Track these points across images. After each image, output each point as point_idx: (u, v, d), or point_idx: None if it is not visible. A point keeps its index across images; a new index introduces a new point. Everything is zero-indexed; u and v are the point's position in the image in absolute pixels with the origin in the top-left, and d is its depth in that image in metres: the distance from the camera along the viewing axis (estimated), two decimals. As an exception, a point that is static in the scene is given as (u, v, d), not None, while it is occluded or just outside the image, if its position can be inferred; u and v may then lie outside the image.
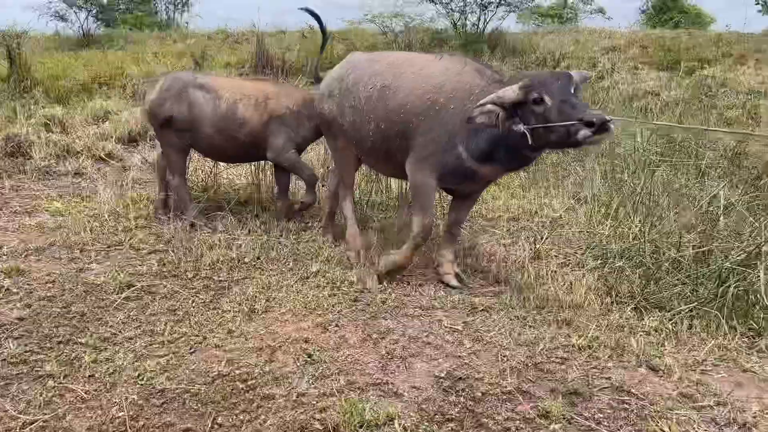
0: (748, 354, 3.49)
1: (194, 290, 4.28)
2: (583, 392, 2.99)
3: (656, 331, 3.69)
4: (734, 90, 12.77)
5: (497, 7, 18.51)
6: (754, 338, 3.67)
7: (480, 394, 2.96)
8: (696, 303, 3.89)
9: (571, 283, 4.33)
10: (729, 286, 3.87)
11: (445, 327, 3.70)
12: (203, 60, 16.71)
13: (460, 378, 3.10)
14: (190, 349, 3.46)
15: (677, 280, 4.13)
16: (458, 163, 3.99)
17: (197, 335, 3.60)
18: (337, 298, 4.11)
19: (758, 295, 3.81)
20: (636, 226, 5.14)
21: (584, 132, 3.28)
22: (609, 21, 29.88)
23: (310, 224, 5.78)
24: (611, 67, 16.14)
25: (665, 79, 14.60)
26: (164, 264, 4.68)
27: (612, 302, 4.08)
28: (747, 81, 13.36)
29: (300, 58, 17.27)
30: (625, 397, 2.95)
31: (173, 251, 4.87)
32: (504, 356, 3.34)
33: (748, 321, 3.76)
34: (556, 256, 4.98)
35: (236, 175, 7.04)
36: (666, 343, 3.54)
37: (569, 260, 4.92)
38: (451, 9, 18.58)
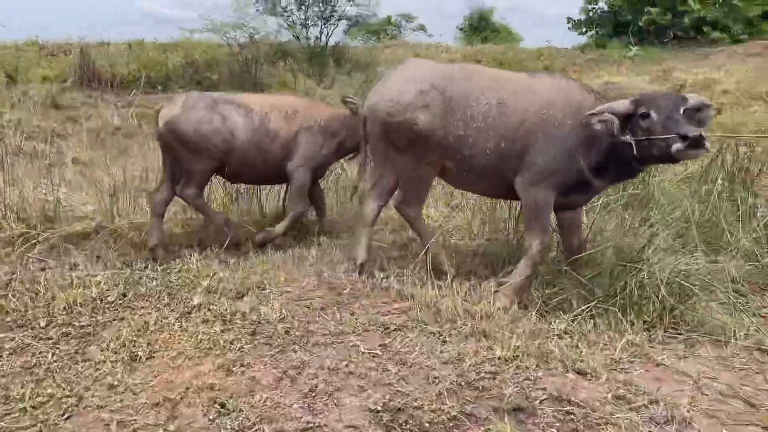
0: (651, 347, 3.61)
1: (51, 341, 3.58)
2: (526, 407, 2.86)
3: (566, 333, 3.71)
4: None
5: (338, 20, 18.61)
6: (649, 330, 3.82)
7: (426, 425, 2.71)
8: (594, 302, 3.98)
9: (471, 291, 4.26)
10: (623, 283, 4.02)
11: (364, 352, 3.40)
12: (17, 73, 14.83)
13: (399, 409, 2.83)
14: (63, 414, 2.82)
15: (574, 281, 4.21)
16: (579, 177, 4.12)
17: (69, 395, 2.97)
18: (232, 333, 3.64)
19: (648, 289, 3.98)
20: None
21: (678, 145, 3.51)
22: (431, 37, 31.51)
23: (179, 251, 5.19)
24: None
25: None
26: (6, 312, 3.88)
27: (517, 308, 4.05)
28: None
29: (131, 71, 16.00)
30: (567, 407, 2.87)
31: (14, 296, 4.06)
32: (435, 378, 3.12)
33: (642, 315, 3.91)
34: (450, 265, 4.89)
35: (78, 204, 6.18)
36: (580, 345, 3.55)
37: (461, 269, 4.85)
38: (293, 22, 18.33)
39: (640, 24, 21.99)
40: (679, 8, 21.26)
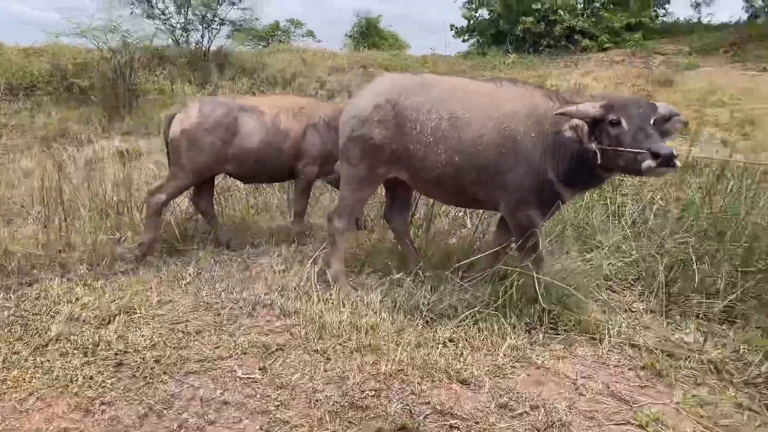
0: (532, 349, 3.66)
1: None
2: (410, 425, 2.78)
3: (451, 341, 3.69)
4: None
5: (220, 25, 18.00)
6: (530, 333, 3.88)
7: (306, 455, 2.55)
8: (478, 307, 4.00)
9: (357, 304, 4.15)
10: (504, 286, 4.06)
11: (241, 378, 3.19)
12: None
13: (277, 439, 2.65)
14: None
15: (458, 286, 4.22)
16: (550, 190, 3.91)
17: None
18: (94, 366, 3.30)
19: (528, 291, 4.05)
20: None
21: (649, 162, 3.31)
22: (319, 43, 31.49)
23: (37, 274, 4.70)
24: (339, 86, 16.83)
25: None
26: None
27: (404, 318, 3.99)
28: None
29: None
30: (452, 421, 2.82)
31: None
32: (317, 401, 2.97)
33: (523, 317, 3.98)
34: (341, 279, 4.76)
35: None
36: (464, 353, 3.53)
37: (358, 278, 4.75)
38: (172, 26, 17.52)
39: (517, 32, 23.05)
40: (551, 18, 22.50)
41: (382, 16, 34.96)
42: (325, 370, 3.27)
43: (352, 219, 4.72)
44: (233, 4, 18.16)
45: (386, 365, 3.27)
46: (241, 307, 4.14)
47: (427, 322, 3.98)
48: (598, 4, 24.71)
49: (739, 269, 4.54)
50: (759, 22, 20.46)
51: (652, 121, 3.48)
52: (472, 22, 26.99)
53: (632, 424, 2.86)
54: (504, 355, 3.48)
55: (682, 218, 5.65)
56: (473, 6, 27.11)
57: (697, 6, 26.50)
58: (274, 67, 17.43)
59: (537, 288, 3.99)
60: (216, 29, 17.89)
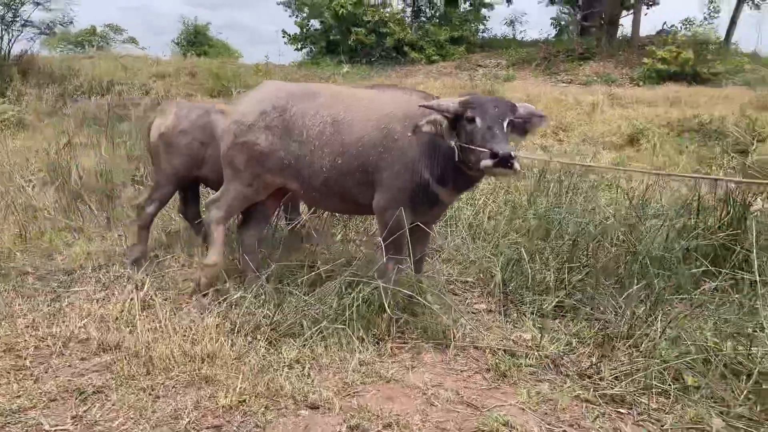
0: (381, 362, 3.54)
1: None
2: (254, 463, 2.49)
3: (297, 362, 3.45)
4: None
5: (23, 26, 16.11)
6: (378, 344, 3.77)
7: None
8: (324, 322, 3.81)
9: (191, 329, 3.77)
10: (351, 298, 3.91)
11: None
12: None
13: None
14: None
15: (303, 302, 3.99)
16: (426, 190, 3.90)
17: None
18: None
19: (375, 302, 3.94)
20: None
21: (486, 162, 3.34)
22: (143, 50, 29.80)
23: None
24: (165, 93, 15.86)
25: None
26: None
27: (245, 341, 3.68)
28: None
29: None
30: (300, 452, 2.58)
31: None
32: (143, 449, 2.57)
33: (371, 329, 3.85)
34: (166, 300, 4.31)
35: None
36: (311, 373, 3.32)
37: (185, 303, 4.32)
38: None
39: (350, 43, 23.40)
40: (381, 30, 23.14)
41: (211, 24, 33.80)
42: (154, 411, 2.88)
43: (230, 215, 4.50)
44: (38, 4, 16.33)
45: (226, 397, 2.95)
46: (49, 346, 3.56)
47: (270, 343, 3.71)
48: (424, 19, 25.97)
49: (567, 265, 4.81)
50: (564, 39, 22.72)
51: (507, 121, 3.52)
52: (305, 30, 26.97)
53: (483, 430, 2.83)
54: (353, 371, 3.31)
55: (512, 220, 5.92)
56: (305, 15, 27.16)
57: (511, 23, 28.90)
58: (89, 74, 15.94)
59: (384, 297, 3.90)
60: (18, 31, 15.96)
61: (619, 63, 19.19)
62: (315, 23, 26.89)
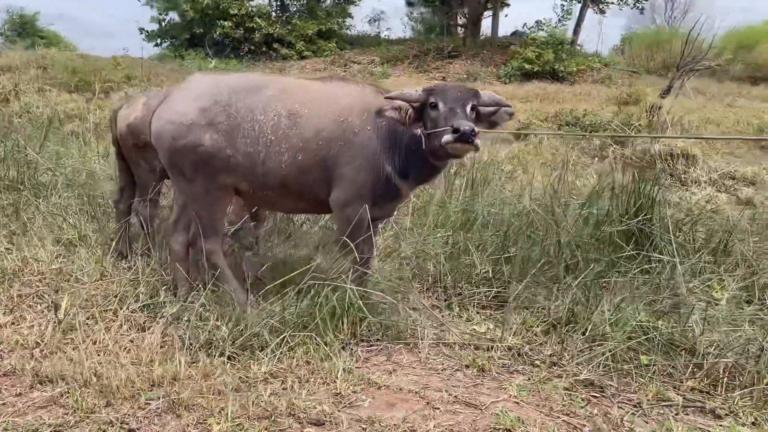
0: (358, 367, 3.40)
1: None
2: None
3: (274, 376, 3.21)
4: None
5: None
6: (345, 349, 3.61)
7: None
8: (288, 331, 3.58)
9: (134, 351, 3.38)
10: (311, 302, 3.72)
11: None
12: None
13: None
14: None
15: (262, 309, 3.73)
16: (387, 184, 3.85)
17: None
18: None
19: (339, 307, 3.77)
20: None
21: (447, 137, 3.36)
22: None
23: None
24: (13, 88, 14.23)
25: (82, 100, 13.84)
26: None
27: (206, 358, 3.35)
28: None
29: None
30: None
31: None
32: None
33: (338, 334, 3.68)
34: (89, 318, 3.83)
35: None
36: (295, 386, 3.09)
37: (117, 319, 3.85)
38: None
39: (216, 37, 22.41)
40: (247, 24, 22.40)
41: (39, 13, 30.71)
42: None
43: (220, 236, 4.18)
44: None
45: (218, 424, 2.66)
46: (-31, 385, 3.00)
47: (230, 358, 3.42)
48: (290, 13, 25.52)
49: (500, 256, 4.92)
50: (431, 37, 23.46)
51: (469, 105, 3.57)
52: (163, 24, 25.42)
53: (500, 428, 2.80)
54: (343, 381, 3.13)
55: (437, 215, 5.97)
56: (161, 8, 25.61)
57: (374, 21, 29.36)
58: None
59: (349, 298, 3.74)
60: None
61: (484, 62, 20.19)
62: (174, 16, 25.47)
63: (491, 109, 3.80)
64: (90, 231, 5.49)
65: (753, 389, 3.23)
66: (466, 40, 21.68)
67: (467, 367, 3.48)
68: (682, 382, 3.45)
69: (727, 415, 3.11)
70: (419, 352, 3.64)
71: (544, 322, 4.15)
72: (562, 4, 23.45)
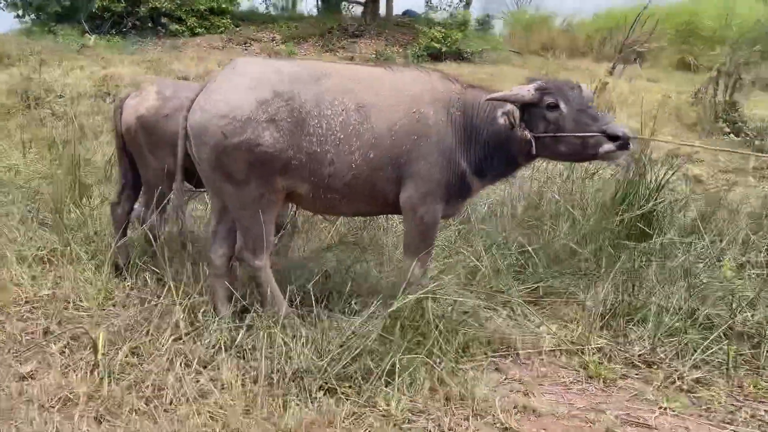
0: (495, 391, 3.07)
1: None
2: None
3: (413, 412, 2.83)
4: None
5: None
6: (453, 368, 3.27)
7: None
8: (395, 352, 3.16)
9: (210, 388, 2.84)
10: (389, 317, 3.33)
11: None
12: None
13: None
14: None
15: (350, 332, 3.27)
16: (461, 181, 3.56)
17: None
18: None
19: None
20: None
21: (608, 146, 3.15)
22: None
23: None
24: None
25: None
26: None
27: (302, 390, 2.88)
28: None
29: None
30: None
31: None
32: None
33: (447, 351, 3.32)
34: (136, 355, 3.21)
35: None
36: (452, 425, 2.71)
37: (164, 353, 3.24)
38: None
39: (94, 10, 20.19)
40: (129, -3, 20.41)
41: None
42: None
43: (269, 249, 3.59)
44: None
45: None
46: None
47: (329, 391, 2.98)
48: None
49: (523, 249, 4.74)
50: (332, 15, 22.68)
51: (593, 103, 3.34)
52: (24, -7, 22.50)
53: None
54: (500, 411, 2.80)
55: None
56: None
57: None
58: None
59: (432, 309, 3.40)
60: None
61: (388, 41, 19.92)
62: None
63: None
64: (60, 243, 4.66)
65: None
66: (366, 18, 21.25)
67: (591, 378, 3.28)
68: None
69: None
70: (527, 365, 3.39)
71: (601, 315, 4.06)
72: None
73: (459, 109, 3.52)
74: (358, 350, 3.12)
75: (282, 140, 3.28)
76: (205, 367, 3.25)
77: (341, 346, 3.17)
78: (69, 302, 3.91)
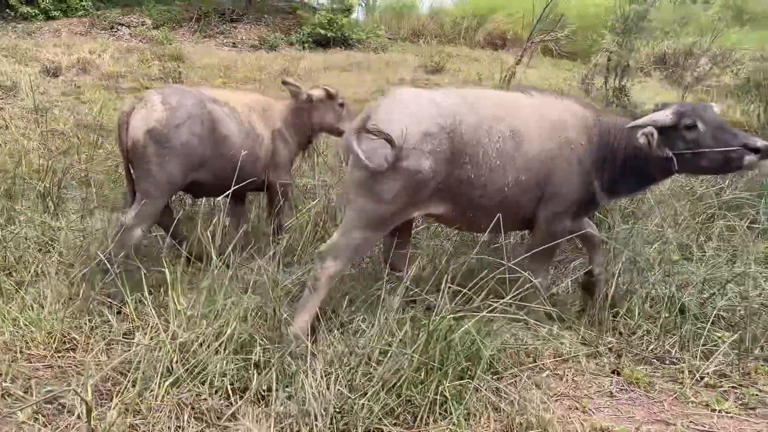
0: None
1: None
2: None
3: None
4: None
5: None
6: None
7: None
8: (439, 377, 2.90)
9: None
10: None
11: None
12: None
13: None
14: None
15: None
16: (590, 200, 3.90)
17: None
18: None
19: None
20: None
21: (750, 157, 3.46)
22: None
23: None
24: None
25: None
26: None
27: None
28: None
29: None
30: None
31: None
32: None
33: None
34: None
35: None
36: None
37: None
38: None
39: None
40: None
41: None
42: None
43: (350, 263, 3.82)
44: None
45: None
46: None
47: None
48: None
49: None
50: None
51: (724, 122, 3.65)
52: None
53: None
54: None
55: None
56: None
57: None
58: None
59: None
60: None
61: (269, 27, 19.12)
62: None
63: None
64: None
65: None
66: (243, 1, 20.22)
67: (630, 384, 3.23)
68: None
69: None
70: (560, 375, 3.27)
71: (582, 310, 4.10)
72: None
73: (597, 134, 3.83)
74: (401, 378, 2.83)
75: (440, 168, 3.49)
76: (219, 419, 2.79)
77: (377, 378, 2.85)
78: (17, 352, 3.21)
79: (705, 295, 4.08)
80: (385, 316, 3.24)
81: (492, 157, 3.59)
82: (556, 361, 3.42)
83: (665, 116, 3.63)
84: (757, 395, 3.18)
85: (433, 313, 3.09)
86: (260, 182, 4.64)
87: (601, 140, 3.83)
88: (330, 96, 5.01)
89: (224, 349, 3.12)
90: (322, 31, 17.74)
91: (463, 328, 3.01)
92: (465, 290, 3.17)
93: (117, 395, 2.84)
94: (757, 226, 5.43)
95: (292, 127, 4.85)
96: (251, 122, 4.51)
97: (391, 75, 13.19)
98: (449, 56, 16.52)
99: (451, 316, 3.03)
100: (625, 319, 3.96)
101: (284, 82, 5.04)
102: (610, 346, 3.67)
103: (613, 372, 3.36)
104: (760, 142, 3.46)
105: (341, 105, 4.99)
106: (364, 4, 26.87)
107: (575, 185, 3.78)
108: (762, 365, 3.53)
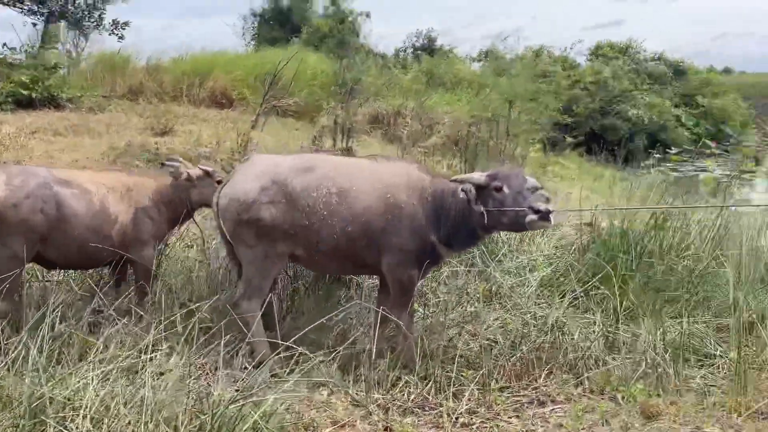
0: None
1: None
2: None
3: None
4: None
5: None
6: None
7: None
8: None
9: None
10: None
11: None
12: None
13: None
14: None
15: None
16: (432, 252, 4.46)
17: None
18: None
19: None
20: None
21: (531, 216, 4.03)
22: None
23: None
24: None
25: None
26: None
27: None
28: None
29: None
30: None
31: None
32: None
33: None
34: None
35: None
36: None
37: None
38: None
39: None
40: None
41: None
42: None
43: (262, 300, 4.47)
44: None
45: None
46: None
47: None
48: None
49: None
50: None
51: (527, 188, 4.23)
52: None
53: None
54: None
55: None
56: None
57: None
58: None
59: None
60: None
61: (-46, 84, 16.39)
62: None
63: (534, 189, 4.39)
64: None
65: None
66: None
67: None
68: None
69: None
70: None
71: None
72: (32, 23, 20.90)
73: (431, 194, 4.42)
74: None
75: (278, 216, 4.30)
76: None
77: None
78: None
79: (447, 338, 4.59)
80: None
81: (320, 208, 4.28)
82: (335, 429, 3.51)
83: (480, 177, 4.30)
84: (497, 427, 3.68)
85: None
86: (118, 256, 4.78)
87: (435, 200, 4.40)
88: (208, 174, 5.38)
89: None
90: (25, 92, 15.80)
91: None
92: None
93: None
94: (474, 268, 6.29)
95: (167, 204, 5.12)
96: (104, 202, 4.71)
97: (116, 139, 12.29)
98: (176, 116, 15.95)
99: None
100: (385, 372, 4.24)
101: (163, 164, 5.54)
102: (378, 402, 3.89)
103: (385, 429, 3.57)
104: (542, 206, 4.09)
105: (219, 182, 5.15)
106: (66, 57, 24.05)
107: (406, 239, 4.35)
108: (498, 395, 4.07)
